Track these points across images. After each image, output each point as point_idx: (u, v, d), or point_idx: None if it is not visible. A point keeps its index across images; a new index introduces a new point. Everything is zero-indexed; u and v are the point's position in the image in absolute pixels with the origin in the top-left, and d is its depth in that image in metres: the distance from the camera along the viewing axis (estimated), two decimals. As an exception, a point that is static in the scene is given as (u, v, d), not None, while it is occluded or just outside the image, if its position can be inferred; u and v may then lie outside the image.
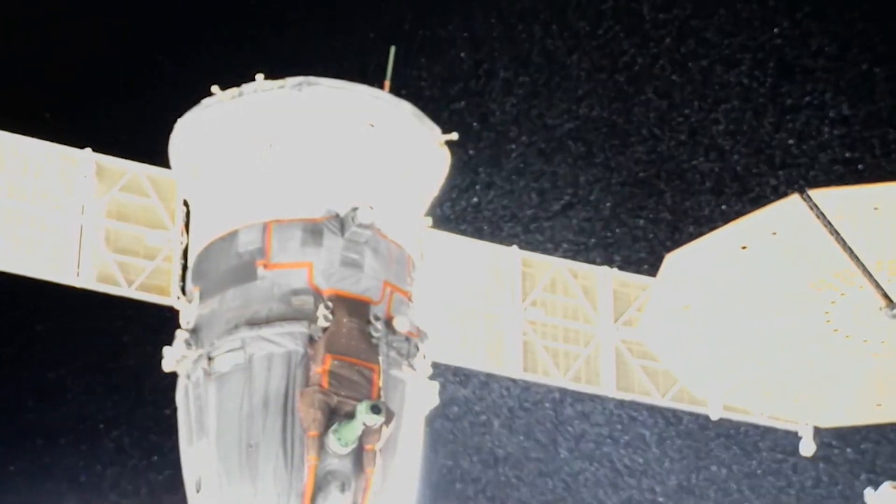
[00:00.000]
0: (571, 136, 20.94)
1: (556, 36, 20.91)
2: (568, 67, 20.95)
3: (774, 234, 10.86)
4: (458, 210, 19.05)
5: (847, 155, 20.62)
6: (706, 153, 21.05)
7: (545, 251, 16.07)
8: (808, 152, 20.64)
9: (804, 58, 20.83)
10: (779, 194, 10.74)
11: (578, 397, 18.48)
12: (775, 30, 20.77)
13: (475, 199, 19.68)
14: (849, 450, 19.70)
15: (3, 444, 20.50)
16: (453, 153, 14.21)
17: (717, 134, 21.00)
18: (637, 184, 21.07)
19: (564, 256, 16.09)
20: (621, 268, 16.06)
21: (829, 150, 20.62)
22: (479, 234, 16.36)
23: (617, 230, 20.58)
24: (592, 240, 20.19)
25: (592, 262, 16.18)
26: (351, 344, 12.77)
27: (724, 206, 20.50)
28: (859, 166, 20.48)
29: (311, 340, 12.74)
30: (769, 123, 20.97)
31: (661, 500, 20.96)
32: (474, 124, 20.22)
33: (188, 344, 13.17)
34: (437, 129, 13.94)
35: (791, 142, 20.81)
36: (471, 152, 19.71)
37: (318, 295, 12.92)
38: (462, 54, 20.58)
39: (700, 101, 21.04)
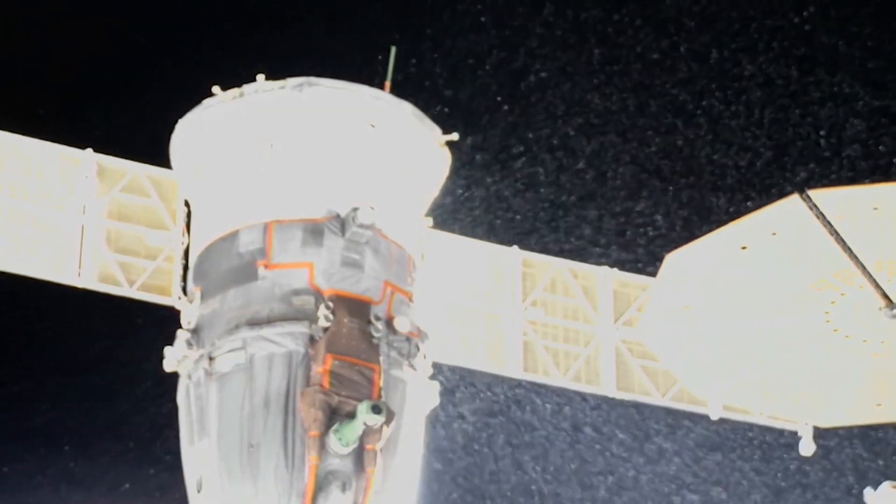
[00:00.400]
0: (575, 133, 20.98)
1: (567, 28, 20.94)
2: (574, 63, 20.98)
3: (774, 234, 10.88)
4: (460, 209, 19.09)
5: (881, 149, 20.57)
6: (715, 150, 21.06)
7: (545, 251, 16.10)
8: (834, 146, 20.57)
9: (830, 48, 20.75)
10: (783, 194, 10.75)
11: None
12: (804, 13, 20.65)
13: (477, 199, 19.72)
14: (881, 461, 19.72)
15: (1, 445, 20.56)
16: (454, 153, 14.25)
17: (733, 129, 20.99)
18: (639, 183, 21.11)
19: (565, 256, 16.13)
20: (621, 268, 16.10)
21: (855, 145, 20.57)
22: (479, 234, 16.36)
23: (617, 230, 20.60)
24: (592, 240, 20.22)
25: (593, 262, 16.19)
26: (352, 344, 12.80)
27: (749, 203, 20.39)
28: (894, 160, 20.42)
29: (312, 340, 12.77)
30: (775, 119, 20.99)
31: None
32: (482, 118, 20.29)
33: (189, 344, 13.21)
34: (437, 130, 13.98)
35: (795, 140, 20.81)
36: (475, 152, 19.75)
37: (318, 295, 12.95)
38: (463, 53, 20.63)
39: (713, 95, 21.04)
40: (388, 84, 14.00)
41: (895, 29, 20.71)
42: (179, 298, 13.95)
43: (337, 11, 20.74)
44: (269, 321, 12.88)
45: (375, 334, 12.91)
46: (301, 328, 12.80)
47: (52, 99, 19.84)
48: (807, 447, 13.78)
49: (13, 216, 14.03)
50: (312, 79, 13.49)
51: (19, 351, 20.72)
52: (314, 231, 13.18)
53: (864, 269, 11.06)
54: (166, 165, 14.33)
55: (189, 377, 13.24)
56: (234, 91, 13.63)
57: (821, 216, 10.65)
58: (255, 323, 12.90)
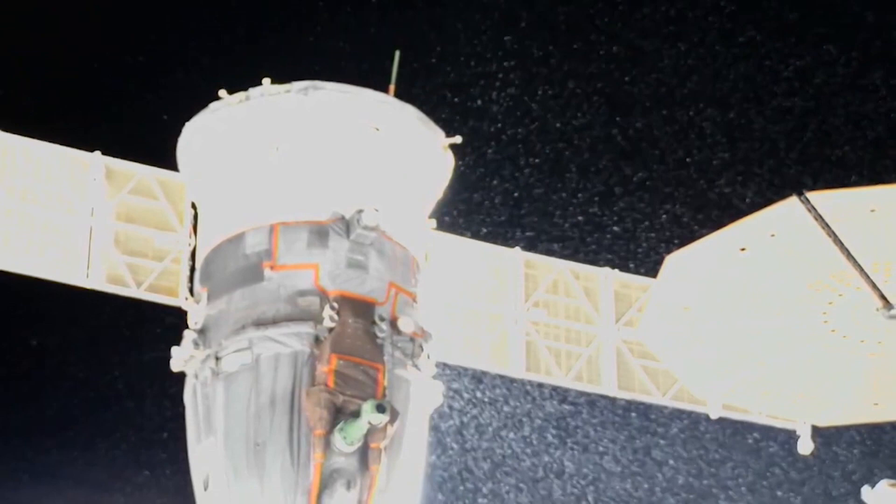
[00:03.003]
0: (576, 135, 21.03)
1: (560, 31, 20.97)
2: (573, 66, 21.02)
3: (773, 235, 10.89)
4: (462, 211, 19.16)
5: (879, 150, 20.60)
6: (715, 152, 21.11)
7: (547, 252, 16.19)
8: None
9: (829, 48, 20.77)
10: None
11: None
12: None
13: (479, 201, 19.79)
14: (879, 460, 19.73)
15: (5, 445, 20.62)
16: (457, 156, 14.36)
17: (733, 131, 21.02)
18: (640, 185, 21.17)
19: (566, 258, 16.23)
20: (622, 269, 16.19)
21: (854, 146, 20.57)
22: (482, 235, 16.46)
23: (618, 231, 20.66)
24: (594, 241, 20.28)
25: (594, 263, 16.28)
26: (356, 344, 12.90)
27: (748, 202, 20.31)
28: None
29: (317, 340, 12.87)
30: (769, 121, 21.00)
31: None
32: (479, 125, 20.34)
33: (196, 344, 13.30)
34: (441, 133, 14.08)
35: (783, 144, 20.85)
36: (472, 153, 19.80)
37: (323, 296, 13.06)
38: (466, 55, 20.69)
39: (714, 97, 21.09)
40: (392, 87, 14.10)
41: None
42: (186, 299, 14.08)
43: (342, 15, 20.84)
44: (274, 322, 12.98)
45: (380, 334, 13.02)
46: (306, 328, 12.90)
47: (61, 102, 19.95)
48: (805, 446, 13.88)
49: (22, 218, 14.11)
50: (317, 82, 13.60)
51: (26, 351, 20.82)
52: (319, 233, 13.28)
53: (861, 270, 11.05)
54: (173, 168, 14.42)
55: (196, 377, 13.33)
56: (241, 94, 13.71)
57: (819, 218, 10.65)
58: (261, 323, 13.00)
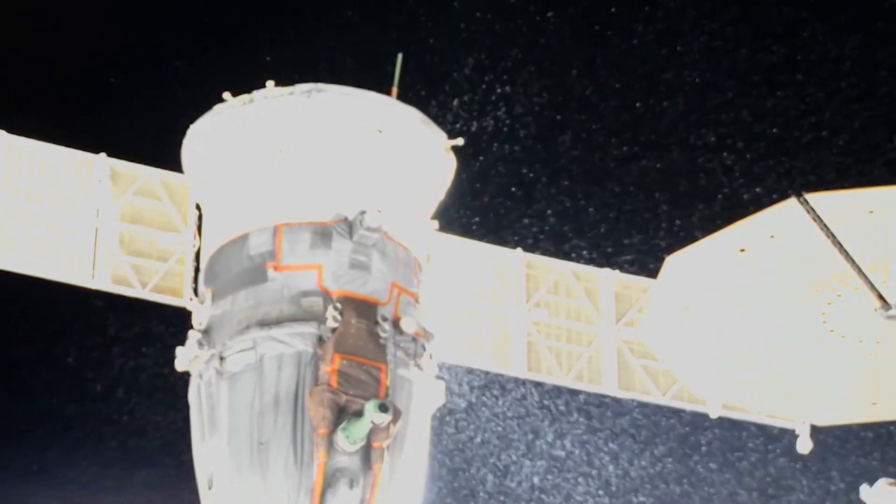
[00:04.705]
0: (577, 137, 21.09)
1: (562, 34, 21.01)
2: (575, 67, 21.07)
3: (772, 236, 10.95)
4: (464, 213, 19.22)
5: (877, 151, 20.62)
6: (715, 153, 21.14)
7: (549, 253, 16.26)
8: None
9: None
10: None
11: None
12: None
13: (481, 202, 19.85)
14: (877, 459, 19.76)
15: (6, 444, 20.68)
16: (459, 157, 14.44)
17: (733, 132, 21.05)
18: (640, 186, 21.21)
19: (567, 259, 16.29)
20: (623, 270, 16.26)
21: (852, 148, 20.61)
22: (484, 236, 16.52)
23: (619, 232, 20.72)
24: (595, 242, 20.34)
25: (595, 264, 16.34)
26: (359, 344, 12.96)
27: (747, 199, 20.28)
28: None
29: (321, 341, 12.94)
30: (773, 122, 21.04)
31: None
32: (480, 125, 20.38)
33: (200, 344, 13.37)
34: (443, 135, 14.15)
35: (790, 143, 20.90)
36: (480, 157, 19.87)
37: (327, 296, 13.12)
38: (467, 55, 20.74)
39: (714, 99, 21.12)
40: (395, 90, 14.17)
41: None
42: (191, 300, 14.13)
43: (346, 18, 20.90)
44: (278, 322, 13.05)
45: (382, 335, 13.08)
46: (310, 329, 12.97)
47: (66, 104, 20.01)
48: (804, 445, 13.94)
49: (28, 220, 14.17)
50: (321, 85, 13.65)
51: (30, 350, 20.87)
52: (323, 234, 13.34)
53: (859, 270, 11.10)
54: (178, 169, 14.48)
55: (200, 376, 13.40)
56: (245, 97, 13.78)
57: (817, 219, 10.70)
58: (264, 323, 13.07)
